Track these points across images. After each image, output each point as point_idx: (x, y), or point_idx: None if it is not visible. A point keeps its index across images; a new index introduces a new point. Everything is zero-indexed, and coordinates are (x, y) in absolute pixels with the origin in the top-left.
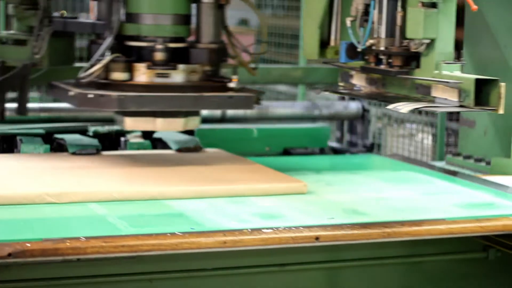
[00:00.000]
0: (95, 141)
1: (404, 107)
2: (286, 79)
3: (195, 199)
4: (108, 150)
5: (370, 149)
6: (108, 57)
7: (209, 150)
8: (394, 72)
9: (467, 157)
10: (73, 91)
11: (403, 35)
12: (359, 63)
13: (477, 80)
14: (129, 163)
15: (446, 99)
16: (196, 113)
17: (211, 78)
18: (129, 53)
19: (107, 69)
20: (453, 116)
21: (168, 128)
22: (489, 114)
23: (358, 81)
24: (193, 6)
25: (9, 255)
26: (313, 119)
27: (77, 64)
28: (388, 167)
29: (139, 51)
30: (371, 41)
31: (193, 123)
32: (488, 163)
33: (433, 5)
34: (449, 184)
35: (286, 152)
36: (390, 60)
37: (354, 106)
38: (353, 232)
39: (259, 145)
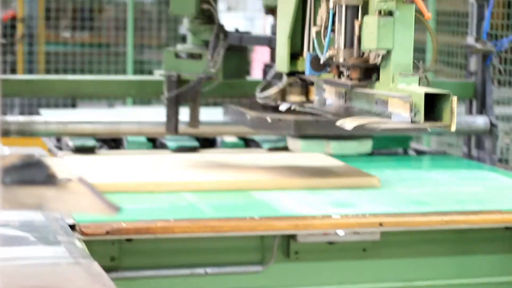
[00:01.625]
0: (193, 140)
1: (349, 124)
2: None
3: (277, 190)
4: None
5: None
6: (285, 81)
7: None
8: (350, 85)
9: None
10: (250, 115)
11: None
12: (326, 76)
13: (428, 94)
14: (222, 158)
15: (399, 114)
16: (368, 136)
17: None
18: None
19: (282, 91)
20: None
21: (341, 151)
22: None
23: (329, 95)
24: None
25: (107, 232)
26: (439, 134)
27: (248, 78)
28: (464, 167)
29: None
30: (331, 52)
31: (365, 146)
32: None
33: (390, 14)
34: None
35: (371, 153)
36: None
37: (481, 121)
38: (414, 220)
39: None
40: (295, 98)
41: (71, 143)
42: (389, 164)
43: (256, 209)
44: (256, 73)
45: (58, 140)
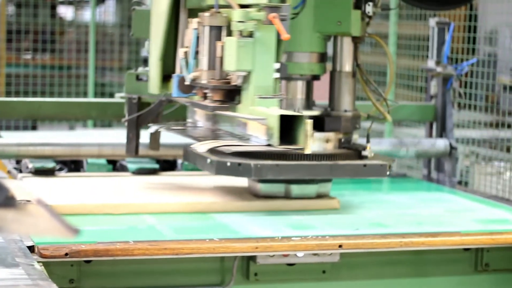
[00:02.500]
0: (153, 162)
1: (201, 147)
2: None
3: (237, 212)
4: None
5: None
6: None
7: None
8: (211, 107)
9: None
10: (211, 159)
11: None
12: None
13: (284, 116)
14: (182, 181)
15: (257, 137)
16: (328, 179)
17: (345, 145)
18: None
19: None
20: None
21: (302, 194)
22: None
23: (199, 117)
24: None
25: (66, 254)
26: (400, 157)
27: None
28: (424, 189)
29: None
30: (195, 74)
31: (325, 189)
32: None
33: (251, 35)
34: (475, 204)
35: None
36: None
37: (441, 144)
38: (374, 241)
39: None
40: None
41: (30, 165)
42: (348, 187)
43: (216, 231)
44: None
45: (18, 162)
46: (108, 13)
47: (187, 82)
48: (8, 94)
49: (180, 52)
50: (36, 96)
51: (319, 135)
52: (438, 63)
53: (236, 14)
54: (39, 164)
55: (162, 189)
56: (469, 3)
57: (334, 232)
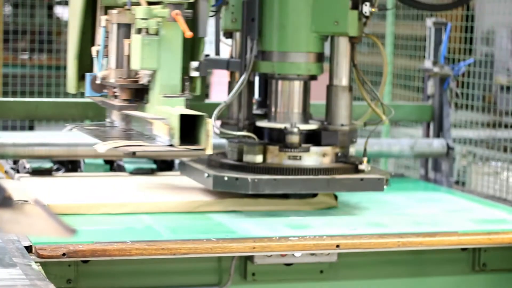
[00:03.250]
0: (150, 162)
1: (102, 147)
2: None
3: (235, 212)
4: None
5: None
6: (240, 133)
7: None
8: (117, 107)
9: None
10: (209, 173)
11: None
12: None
13: (186, 116)
14: (179, 181)
15: (161, 137)
16: (329, 194)
17: (342, 160)
18: (261, 134)
19: (240, 150)
20: None
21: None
22: None
23: (115, 117)
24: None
25: (63, 254)
26: (397, 157)
27: (207, 101)
28: (421, 189)
29: (272, 133)
30: (104, 72)
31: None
32: None
33: (156, 33)
34: (473, 204)
35: None
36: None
37: (438, 144)
38: (371, 241)
39: None
40: (251, 158)
41: (28, 165)
42: None
43: (213, 231)
44: (215, 96)
45: (15, 162)
46: None
47: (97, 81)
48: (5, 94)
49: (93, 51)
50: (33, 96)
51: (316, 149)
52: (435, 63)
53: (140, 11)
54: (37, 164)
55: (159, 189)
56: (465, 4)
57: (331, 232)
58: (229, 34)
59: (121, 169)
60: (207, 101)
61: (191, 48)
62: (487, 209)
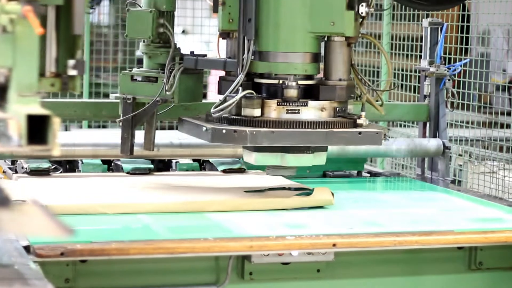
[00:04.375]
0: (148, 162)
1: None
2: (367, 116)
3: (232, 211)
4: (160, 171)
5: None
6: (240, 94)
7: (251, 171)
8: None
9: None
10: (207, 126)
11: None
12: None
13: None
14: (177, 180)
15: (13, 137)
16: (323, 149)
17: (340, 114)
18: (259, 90)
19: (238, 105)
20: None
21: (297, 163)
22: None
23: None
24: (322, 44)
25: (61, 254)
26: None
27: (204, 101)
28: (418, 188)
29: (270, 88)
30: None
31: (320, 158)
32: None
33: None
34: (469, 203)
35: (325, 175)
36: None
37: (435, 143)
38: (368, 240)
39: (300, 168)
40: (250, 111)
41: (26, 165)
42: (343, 186)
43: (211, 230)
44: (213, 96)
45: (13, 162)
46: (103, 14)
47: None
48: None
49: None
50: None
51: (314, 103)
52: (431, 63)
53: None
54: (34, 164)
55: (156, 189)
56: (461, 3)
57: (328, 231)
58: (226, 35)
59: (118, 169)
60: (204, 100)
61: (69, 45)
62: (483, 208)
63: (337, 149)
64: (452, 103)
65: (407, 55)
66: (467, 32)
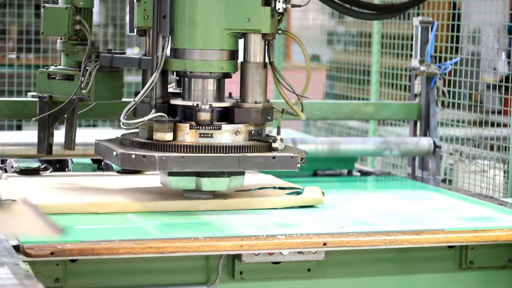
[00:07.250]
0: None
1: None
2: (357, 115)
3: (222, 211)
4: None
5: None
6: (151, 115)
7: None
8: None
9: None
10: (117, 151)
11: None
12: None
13: None
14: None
15: None
16: (240, 172)
17: (255, 138)
18: (174, 113)
19: (150, 129)
20: None
21: (212, 188)
22: None
23: None
24: (239, 62)
25: (51, 253)
26: (384, 155)
27: (124, 100)
28: (408, 187)
29: (185, 111)
30: None
31: (237, 182)
32: None
33: None
34: (459, 202)
35: (315, 174)
36: None
37: (425, 142)
38: (358, 239)
39: None
40: (161, 135)
41: (15, 164)
42: (333, 185)
43: (201, 230)
44: None
45: (3, 161)
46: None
47: None
48: None
49: None
50: (20, 96)
51: (228, 127)
52: (422, 62)
53: None
54: (24, 163)
55: (147, 188)
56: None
57: (318, 230)
58: (142, 32)
59: (108, 168)
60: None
61: None
62: (473, 206)
63: (327, 148)
64: (443, 102)
65: (397, 54)
66: (458, 31)
